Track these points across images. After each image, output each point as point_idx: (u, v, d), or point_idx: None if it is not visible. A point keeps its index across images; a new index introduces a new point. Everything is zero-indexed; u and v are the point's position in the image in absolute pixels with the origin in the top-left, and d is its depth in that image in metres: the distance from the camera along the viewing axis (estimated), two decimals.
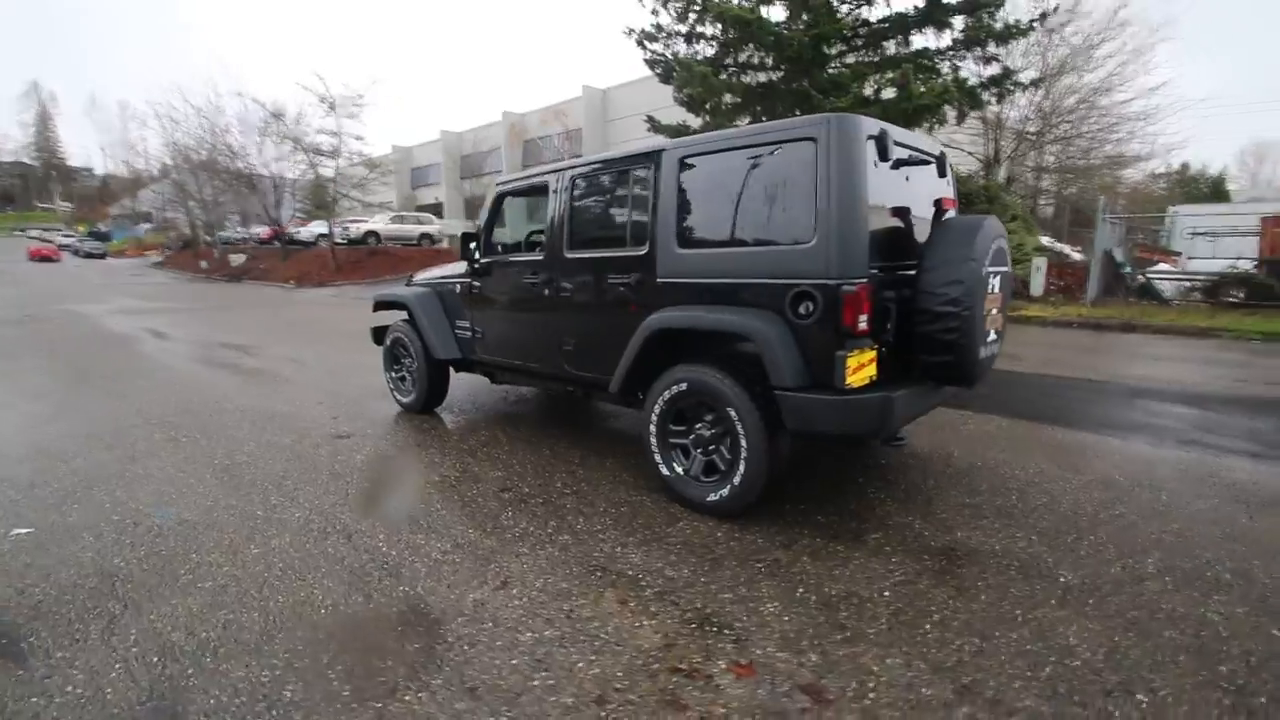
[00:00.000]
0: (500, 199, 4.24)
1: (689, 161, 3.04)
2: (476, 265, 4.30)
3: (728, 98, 15.10)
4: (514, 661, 2.03)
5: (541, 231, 4.60)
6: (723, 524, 2.96)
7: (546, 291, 3.76)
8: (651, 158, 3.21)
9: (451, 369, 4.89)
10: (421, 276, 5.19)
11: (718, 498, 2.95)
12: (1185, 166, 44.06)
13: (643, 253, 3.23)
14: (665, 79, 16.50)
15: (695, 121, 16.09)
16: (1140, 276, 12.52)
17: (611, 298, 3.41)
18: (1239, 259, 11.26)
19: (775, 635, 2.14)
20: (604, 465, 3.80)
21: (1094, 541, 2.80)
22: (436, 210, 36.61)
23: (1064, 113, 19.33)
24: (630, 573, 2.56)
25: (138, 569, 2.62)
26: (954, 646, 2.08)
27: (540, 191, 4.01)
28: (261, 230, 29.24)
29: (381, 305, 5.26)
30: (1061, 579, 2.50)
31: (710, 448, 3.05)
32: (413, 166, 42.39)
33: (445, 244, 29.59)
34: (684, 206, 3.06)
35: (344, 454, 4.04)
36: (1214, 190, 43.76)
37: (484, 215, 4.29)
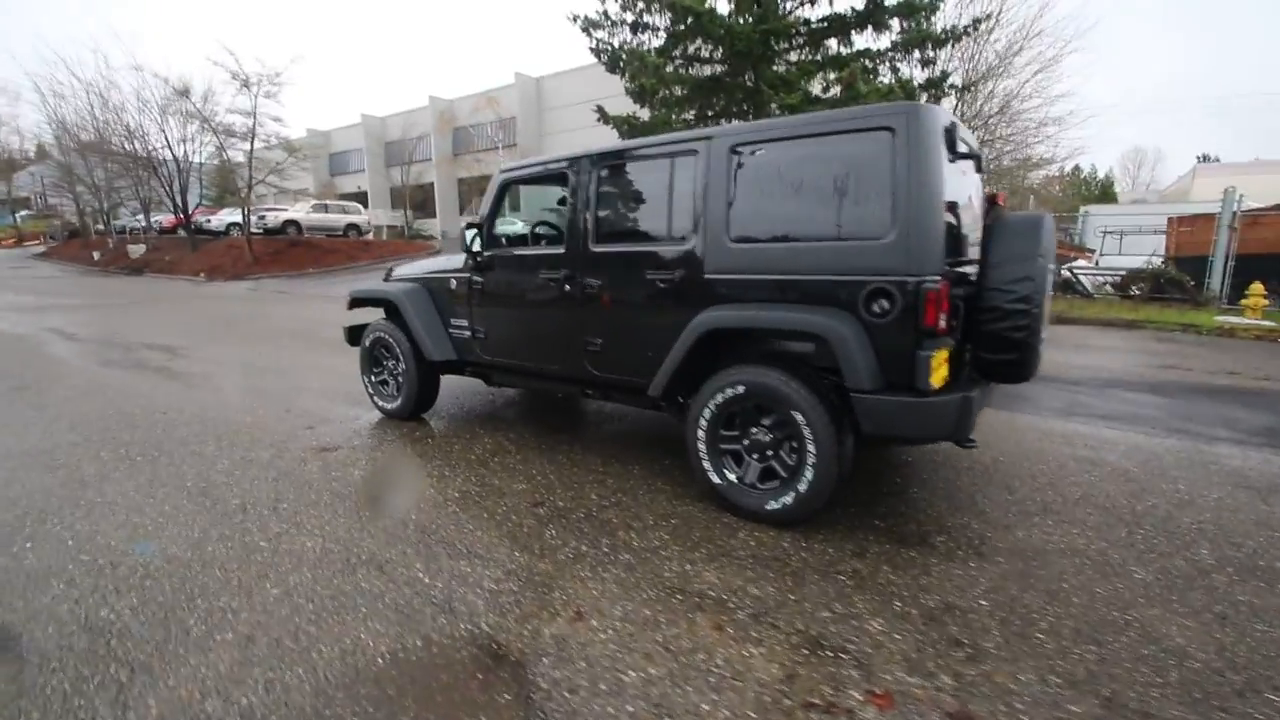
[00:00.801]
0: (504, 187, 3.92)
1: (742, 150, 2.86)
2: (479, 259, 3.96)
3: (677, 90, 15.00)
4: (629, 708, 1.80)
5: (548, 223, 4.33)
6: (784, 533, 2.82)
7: (568, 288, 3.49)
8: (697, 145, 3.00)
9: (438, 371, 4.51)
10: (404, 270, 4.76)
11: (779, 506, 2.80)
12: (1078, 169, 48.05)
13: (688, 247, 3.03)
14: (612, 68, 16.18)
15: (643, 113, 15.92)
16: (1065, 271, 13.40)
17: (648, 295, 3.19)
18: (1153, 255, 12.23)
19: (896, 657, 2.01)
20: (631, 473, 3.58)
21: (1145, 535, 2.85)
22: (360, 199, 34.74)
23: (984, 117, 20.48)
24: (712, 594, 2.37)
25: (134, 621, 2.19)
26: (1075, 656, 2.02)
27: (556, 180, 3.73)
28: (164, 218, 26.74)
29: (359, 302, 4.80)
30: (1136, 575, 2.51)
31: (767, 453, 2.90)
32: (331, 152, 39.96)
33: (371, 235, 28.14)
34: (737, 198, 2.87)
35: (337, 469, 3.62)
36: (1103, 192, 47.94)
37: (486, 205, 3.95)
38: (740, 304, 2.89)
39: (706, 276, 2.97)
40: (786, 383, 2.73)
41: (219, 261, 21.50)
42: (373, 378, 4.74)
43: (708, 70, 15.59)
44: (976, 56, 18.88)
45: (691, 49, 15.22)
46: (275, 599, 2.33)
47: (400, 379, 4.54)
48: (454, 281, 4.18)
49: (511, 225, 4.16)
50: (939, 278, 2.47)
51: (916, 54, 14.47)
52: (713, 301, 2.96)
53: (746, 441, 2.95)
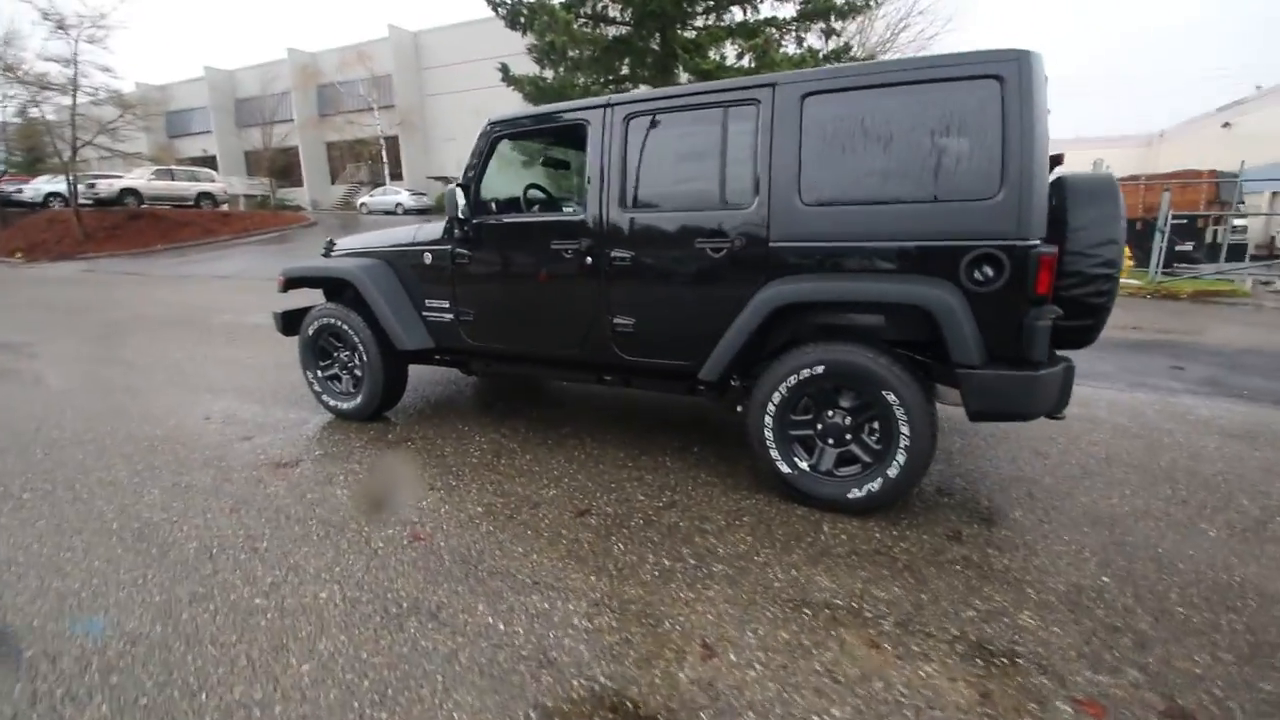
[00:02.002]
0: (495, 142, 3.32)
1: (817, 99, 2.53)
2: (466, 229, 3.35)
3: (587, 50, 14.27)
4: None
5: (536, 186, 3.79)
6: (868, 522, 2.61)
7: (590, 260, 3.02)
8: (758, 94, 2.63)
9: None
10: (353, 243, 4.01)
11: (865, 493, 2.58)
12: None
13: (748, 211, 2.67)
14: (512, 23, 15.11)
15: (548, 74, 15.05)
16: None
17: (696, 267, 2.81)
18: None
19: (1071, 654, 1.85)
20: (664, 465, 3.22)
21: (1188, 491, 2.93)
22: (208, 164, 30.60)
23: None
24: (839, 602, 2.10)
25: None
26: (1226, 627, 1.96)
27: (566, 133, 3.21)
28: None
29: (297, 282, 3.99)
30: (1210, 534, 2.54)
31: (845, 437, 2.65)
32: (170, 110, 34.77)
33: (227, 206, 24.95)
34: (810, 154, 2.55)
35: (312, 489, 2.95)
36: None
37: (471, 164, 3.34)
38: (815, 275, 2.59)
39: (772, 245, 2.64)
40: (876, 360, 2.48)
41: (39, 239, 18.09)
42: (319, 373, 3.98)
43: (613, 31, 14.99)
44: (866, 30, 19.62)
45: (599, 6, 14.51)
46: (312, 679, 1.76)
47: (358, 373, 3.84)
48: (429, 256, 3.54)
49: (501, 187, 3.57)
50: (1044, 241, 2.31)
51: (820, 25, 14.70)
52: (779, 273, 2.64)
53: (820, 426, 2.69)
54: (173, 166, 24.71)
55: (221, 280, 12.30)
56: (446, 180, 28.56)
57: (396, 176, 30.87)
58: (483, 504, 2.80)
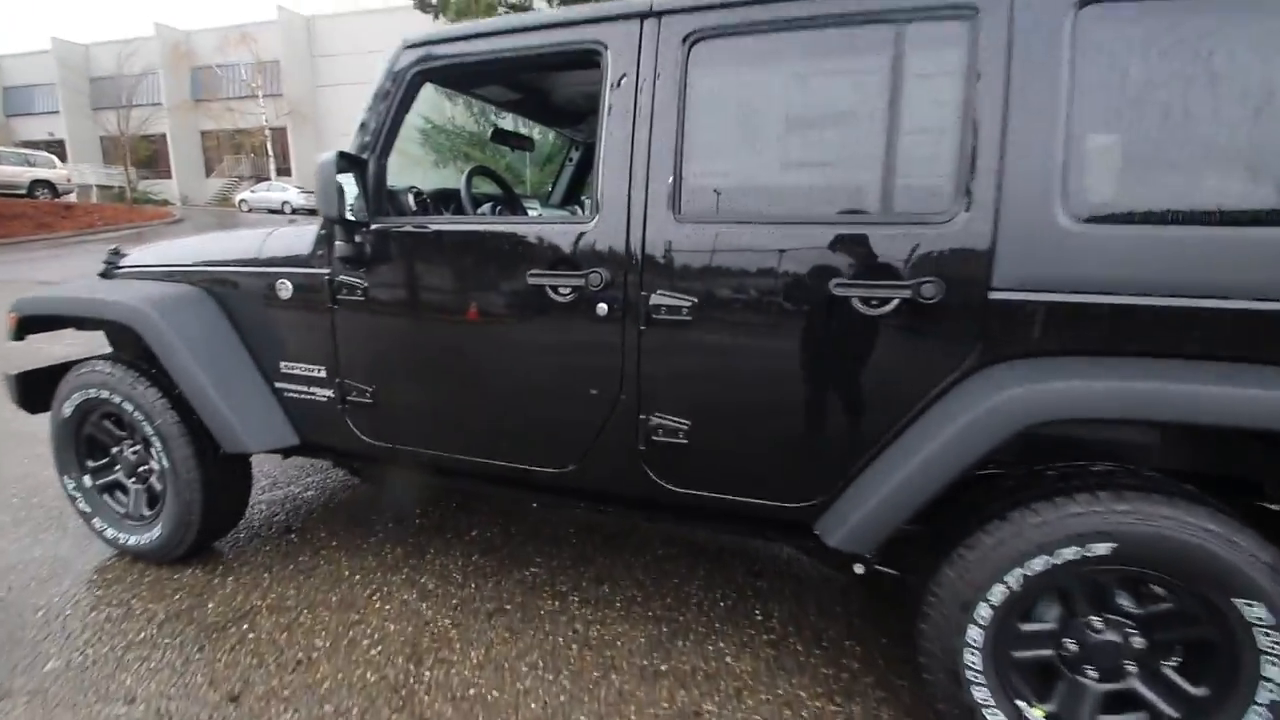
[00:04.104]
0: (414, 85, 1.81)
1: (1103, 10, 1.26)
2: (359, 239, 1.83)
3: None
4: None
5: (487, 173, 2.34)
6: None
7: (606, 308, 1.59)
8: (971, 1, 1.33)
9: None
10: (154, 257, 2.35)
11: None
12: None
13: (948, 228, 1.35)
14: (423, 6, 13.37)
15: None
16: None
17: (830, 330, 1.46)
18: None
19: None
20: (732, 670, 1.83)
21: None
22: (58, 149, 26.13)
23: None
24: None
25: None
26: None
27: (559, 70, 1.77)
28: None
29: (38, 323, 2.28)
30: None
31: (1123, 666, 1.38)
32: (6, 86, 29.65)
33: (74, 196, 21.17)
34: (1092, 119, 1.27)
35: None
36: None
37: (372, 123, 1.82)
38: (1087, 361, 1.30)
39: (995, 296, 1.33)
40: (1226, 540, 1.22)
41: None
42: (88, 480, 2.28)
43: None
44: None
45: None
46: None
47: (156, 484, 2.19)
48: (287, 284, 1.97)
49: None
50: None
51: None
52: (1009, 349, 1.34)
53: (1074, 643, 1.40)
54: (0, 148, 20.65)
55: (44, 288, 9.65)
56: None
57: (284, 172, 27.70)
58: None
